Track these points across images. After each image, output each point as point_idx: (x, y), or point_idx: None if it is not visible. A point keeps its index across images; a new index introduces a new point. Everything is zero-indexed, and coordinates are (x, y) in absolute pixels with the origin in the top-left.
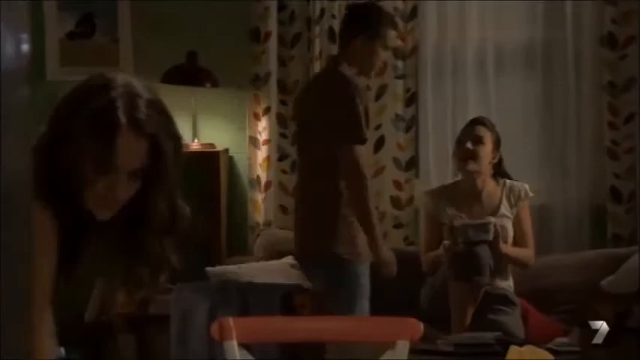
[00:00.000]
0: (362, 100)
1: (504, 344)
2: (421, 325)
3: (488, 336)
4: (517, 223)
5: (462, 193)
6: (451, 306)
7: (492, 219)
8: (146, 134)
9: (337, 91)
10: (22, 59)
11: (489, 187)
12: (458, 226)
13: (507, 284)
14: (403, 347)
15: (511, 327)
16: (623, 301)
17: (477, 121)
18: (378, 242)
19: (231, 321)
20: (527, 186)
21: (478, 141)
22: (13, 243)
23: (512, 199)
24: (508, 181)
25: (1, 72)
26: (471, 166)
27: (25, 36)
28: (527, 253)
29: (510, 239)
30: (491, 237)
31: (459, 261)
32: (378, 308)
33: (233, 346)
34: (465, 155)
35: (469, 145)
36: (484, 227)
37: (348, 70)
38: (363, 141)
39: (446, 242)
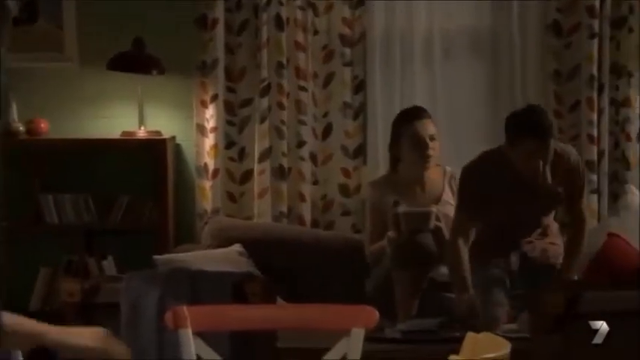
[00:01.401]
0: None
1: (449, 329)
2: (376, 314)
3: (433, 322)
4: None
5: (405, 182)
6: (396, 295)
7: (434, 208)
8: None
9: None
10: None
11: (432, 175)
12: (399, 213)
13: None
14: (358, 335)
15: (457, 313)
16: (572, 287)
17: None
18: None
19: (185, 310)
20: None
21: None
22: None
23: (454, 186)
24: (449, 168)
25: None
26: (431, 151)
27: None
28: None
29: None
30: (431, 226)
31: (402, 250)
32: (325, 297)
33: (188, 335)
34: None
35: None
36: (425, 216)
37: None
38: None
39: (390, 233)
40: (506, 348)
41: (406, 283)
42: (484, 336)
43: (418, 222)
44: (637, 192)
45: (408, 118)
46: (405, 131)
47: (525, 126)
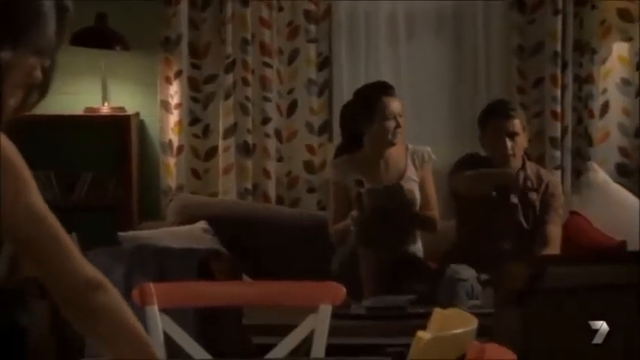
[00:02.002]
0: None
1: (417, 306)
2: (343, 290)
3: (401, 299)
4: (421, 186)
5: (368, 160)
6: (361, 272)
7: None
8: None
9: None
10: None
11: (395, 151)
12: (363, 191)
13: (417, 248)
14: (326, 311)
15: (421, 289)
16: (535, 263)
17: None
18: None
19: (152, 286)
20: (429, 149)
21: None
22: None
23: (417, 162)
24: (411, 145)
25: None
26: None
27: None
28: (432, 216)
29: (418, 203)
30: (396, 202)
31: (367, 227)
32: (290, 273)
33: (154, 312)
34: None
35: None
36: (389, 192)
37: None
38: None
39: (353, 213)
40: (473, 324)
41: (371, 260)
42: (452, 312)
43: (383, 199)
44: (599, 169)
45: (378, 93)
46: (376, 106)
47: (490, 111)
